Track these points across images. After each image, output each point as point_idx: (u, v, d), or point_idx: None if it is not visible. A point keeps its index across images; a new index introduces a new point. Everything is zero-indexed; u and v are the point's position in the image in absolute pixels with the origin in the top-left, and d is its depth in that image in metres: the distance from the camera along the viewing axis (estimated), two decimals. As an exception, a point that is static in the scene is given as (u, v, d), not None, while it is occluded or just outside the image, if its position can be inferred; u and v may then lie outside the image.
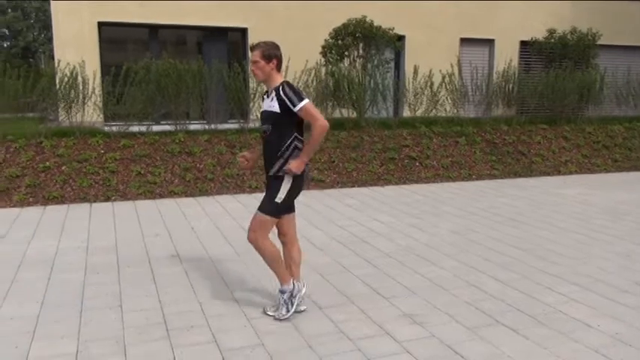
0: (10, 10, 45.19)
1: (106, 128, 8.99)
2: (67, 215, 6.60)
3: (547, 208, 7.15)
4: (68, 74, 8.61)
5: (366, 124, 10.13)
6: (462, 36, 14.10)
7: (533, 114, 12.06)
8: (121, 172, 7.85)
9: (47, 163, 7.65)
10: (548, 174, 9.88)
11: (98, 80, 9.16)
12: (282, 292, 3.72)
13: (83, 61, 9.04)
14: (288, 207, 3.71)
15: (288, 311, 3.70)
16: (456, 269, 4.78)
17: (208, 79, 9.41)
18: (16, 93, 8.47)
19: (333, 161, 8.94)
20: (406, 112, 11.32)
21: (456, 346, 3.37)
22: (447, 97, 11.01)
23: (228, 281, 4.46)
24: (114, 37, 12.01)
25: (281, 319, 3.68)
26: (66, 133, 8.32)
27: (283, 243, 3.87)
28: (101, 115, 9.20)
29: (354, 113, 10.39)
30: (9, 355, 3.23)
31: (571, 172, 10.07)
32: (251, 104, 9.67)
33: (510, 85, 11.56)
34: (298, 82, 9.81)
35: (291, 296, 3.72)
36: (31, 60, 36.35)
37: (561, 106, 11.89)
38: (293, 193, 3.66)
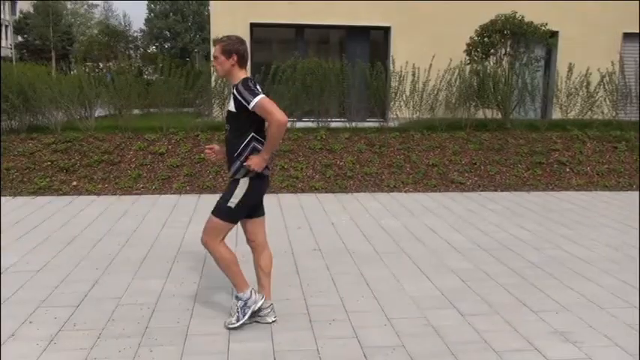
0: (171, 14, 49.73)
1: (254, 124, 9.51)
2: (218, 204, 7.10)
3: None
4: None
5: (511, 125, 9.64)
6: (625, 30, 12.83)
7: None
8: (266, 165, 8.27)
9: (202, 155, 8.30)
10: None
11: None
12: (237, 298, 3.53)
13: (236, 60, 9.64)
14: (247, 211, 3.49)
15: (238, 320, 3.50)
16: (615, 287, 4.36)
17: (351, 78, 9.58)
18: (179, 90, 9.30)
19: (475, 163, 8.62)
20: (556, 114, 10.58)
21: (617, 372, 3.08)
22: (605, 98, 10.10)
23: (368, 278, 4.49)
24: (263, 38, 12.69)
25: (229, 327, 3.51)
26: (218, 128, 8.95)
27: (252, 249, 3.67)
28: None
29: (499, 114, 9.93)
30: (171, 329, 3.55)
31: None
32: (392, 103, 9.65)
33: (683, 86, 10.29)
34: (441, 82, 9.61)
35: (245, 306, 3.50)
36: (187, 59, 39.71)
37: None
38: (251, 198, 3.42)
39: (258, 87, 3.33)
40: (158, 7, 50.50)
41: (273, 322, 3.62)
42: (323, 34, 13.23)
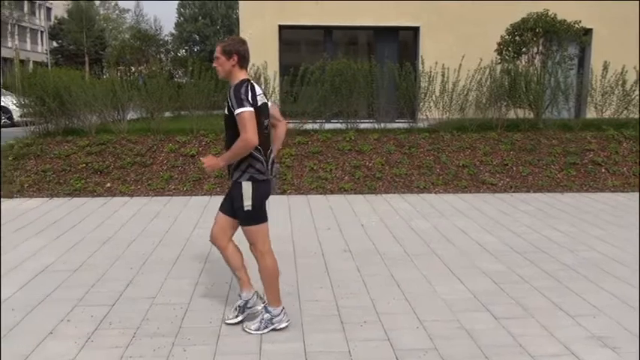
0: (200, 18, 50.39)
1: (283, 125, 9.55)
2: (248, 205, 7.15)
3: None
4: (253, 75, 9.33)
5: (544, 125, 9.46)
6: (663, 27, 12.48)
7: None
8: (295, 167, 8.30)
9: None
10: None
11: (277, 80, 9.78)
12: (267, 310, 3.54)
13: (265, 62, 9.72)
14: (264, 209, 3.46)
15: (258, 330, 3.52)
16: (655, 291, 4.24)
17: (380, 79, 9.54)
18: (209, 93, 9.41)
19: (506, 164, 8.49)
20: (590, 113, 10.35)
21: (658, 378, 2.99)
22: (642, 97, 9.82)
23: (399, 280, 4.47)
24: (292, 39, 12.75)
25: (245, 330, 3.53)
26: (248, 130, 9.02)
27: (218, 247, 3.61)
28: (278, 113, 9.83)
29: (531, 114, 9.76)
30: (204, 329, 3.59)
31: None
32: (421, 104, 9.58)
33: None
34: (471, 82, 9.50)
35: (271, 321, 3.52)
36: (216, 62, 40.15)
37: None
38: (261, 195, 3.40)
39: (250, 94, 3.24)
40: (188, 11, 51.19)
41: (263, 306, 3.62)
42: (351, 35, 13.22)
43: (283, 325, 3.56)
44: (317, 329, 3.59)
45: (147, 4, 79.40)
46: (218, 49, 3.35)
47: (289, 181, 8.02)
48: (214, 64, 3.40)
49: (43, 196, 7.56)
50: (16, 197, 7.52)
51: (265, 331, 3.52)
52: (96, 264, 4.85)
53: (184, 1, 51.05)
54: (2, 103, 17.39)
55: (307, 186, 7.92)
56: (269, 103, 3.51)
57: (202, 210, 6.87)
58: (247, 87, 3.28)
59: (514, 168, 8.43)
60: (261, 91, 3.38)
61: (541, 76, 9.53)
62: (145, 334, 3.51)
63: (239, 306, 3.67)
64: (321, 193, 7.81)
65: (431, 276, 4.56)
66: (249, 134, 3.17)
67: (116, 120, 9.65)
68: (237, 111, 3.20)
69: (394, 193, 7.85)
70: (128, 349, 3.32)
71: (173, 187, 7.88)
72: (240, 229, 3.54)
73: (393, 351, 3.30)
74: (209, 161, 3.37)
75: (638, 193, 7.91)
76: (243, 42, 3.39)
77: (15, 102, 9.71)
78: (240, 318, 3.64)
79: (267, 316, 3.54)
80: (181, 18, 51.29)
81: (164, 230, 5.95)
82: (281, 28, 12.25)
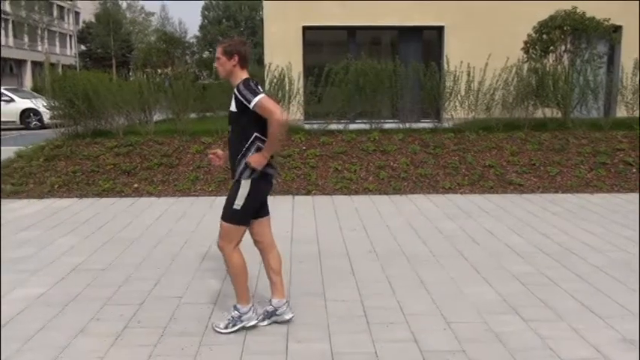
0: (224, 20, 50.82)
1: (307, 126, 9.59)
2: (273, 206, 7.17)
3: None
4: (277, 76, 9.37)
5: (572, 124, 9.29)
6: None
7: None
8: (320, 167, 8.31)
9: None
10: None
11: (302, 81, 9.80)
12: (235, 308, 3.52)
13: (290, 63, 9.74)
14: (253, 213, 3.49)
15: (226, 328, 3.50)
16: (690, 294, 4.13)
17: (404, 79, 9.49)
18: (234, 94, 9.48)
19: (534, 164, 8.36)
20: (621, 112, 10.12)
21: (695, 384, 2.90)
22: (674, 95, 9.58)
23: (425, 281, 4.43)
24: (316, 40, 12.75)
25: (214, 329, 3.53)
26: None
27: (260, 250, 3.66)
28: (303, 114, 9.86)
29: (559, 113, 9.60)
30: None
31: None
32: (446, 103, 9.50)
33: None
34: (497, 81, 9.38)
35: (239, 318, 3.50)
36: (240, 63, 40.40)
37: None
38: (255, 198, 3.43)
39: (259, 87, 3.36)
40: (212, 13, 51.67)
41: (291, 318, 3.63)
42: (375, 35, 13.17)
43: (252, 322, 3.54)
44: (343, 330, 3.58)
45: (172, 6, 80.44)
46: (219, 50, 3.40)
47: (313, 182, 8.03)
48: (215, 64, 3.45)
49: (72, 197, 7.70)
50: (47, 197, 7.68)
51: (234, 329, 3.50)
52: (124, 263, 4.92)
53: (208, 1, 51.50)
54: (33, 106, 17.78)
55: (332, 186, 7.91)
56: None
57: (228, 210, 6.92)
58: (255, 81, 3.37)
59: (542, 168, 8.29)
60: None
61: (569, 75, 9.37)
62: (173, 333, 3.55)
63: (267, 311, 3.65)
64: (345, 194, 7.80)
65: (458, 277, 4.51)
66: (277, 113, 3.20)
67: (143, 121, 9.79)
68: (255, 100, 3.21)
69: (419, 193, 7.79)
70: (156, 347, 3.36)
71: (199, 187, 7.95)
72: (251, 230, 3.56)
73: (420, 352, 3.27)
74: (254, 158, 3.35)
75: (671, 194, 7.72)
76: (244, 42, 3.46)
77: (45, 104, 9.90)
78: (265, 323, 3.62)
79: (235, 313, 3.53)
80: (205, 20, 51.78)
81: (190, 230, 6.01)
82: (305, 29, 12.27)
